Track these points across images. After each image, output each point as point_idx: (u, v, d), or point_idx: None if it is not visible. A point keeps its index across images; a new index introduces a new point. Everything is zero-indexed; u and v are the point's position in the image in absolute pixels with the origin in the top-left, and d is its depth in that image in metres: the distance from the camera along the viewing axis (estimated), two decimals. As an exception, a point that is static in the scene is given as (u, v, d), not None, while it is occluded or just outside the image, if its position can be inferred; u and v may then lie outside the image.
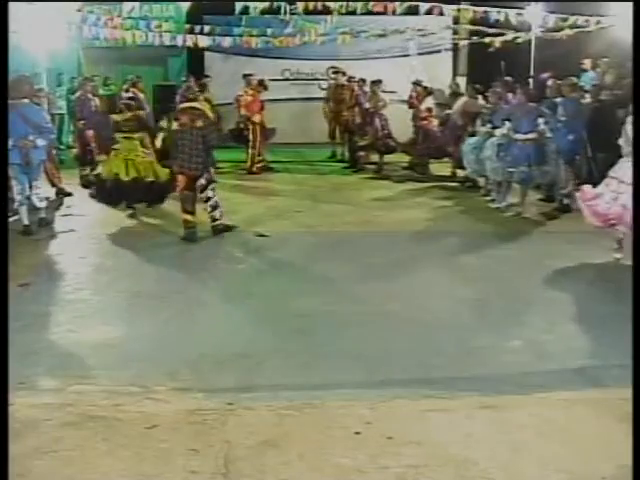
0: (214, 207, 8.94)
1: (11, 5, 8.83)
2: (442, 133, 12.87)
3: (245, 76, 14.28)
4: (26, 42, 11.31)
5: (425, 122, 13.29)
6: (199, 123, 8.66)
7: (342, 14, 14.06)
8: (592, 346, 5.51)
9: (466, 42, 17.22)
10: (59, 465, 3.86)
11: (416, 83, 14.15)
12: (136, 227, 9.59)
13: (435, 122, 13.26)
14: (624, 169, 7.40)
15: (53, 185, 10.96)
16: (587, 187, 7.95)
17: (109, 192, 9.84)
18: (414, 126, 13.59)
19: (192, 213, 8.78)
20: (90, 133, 12.01)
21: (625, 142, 7.47)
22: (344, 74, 15.29)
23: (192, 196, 8.79)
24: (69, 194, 11.12)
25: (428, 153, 13.28)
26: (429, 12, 13.51)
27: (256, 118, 13.78)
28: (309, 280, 7.26)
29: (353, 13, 13.79)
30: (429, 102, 13.52)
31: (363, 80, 14.50)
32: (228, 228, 9.09)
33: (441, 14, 13.73)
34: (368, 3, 13.38)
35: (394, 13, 13.56)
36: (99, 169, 10.29)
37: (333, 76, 15.80)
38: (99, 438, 4.12)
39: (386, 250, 8.36)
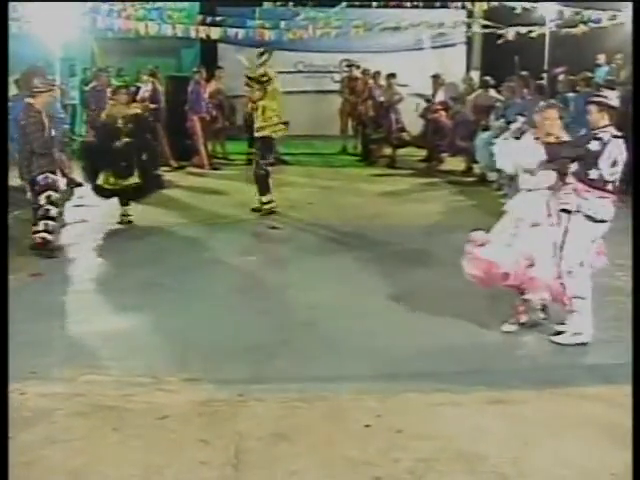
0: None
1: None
2: (454, 127, 12.78)
3: None
4: (39, 32, 11.29)
5: (436, 115, 13.21)
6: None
7: (355, 6, 14.02)
8: (601, 342, 5.47)
9: (480, 35, 17.13)
10: (69, 454, 3.87)
11: (435, 77, 14.04)
12: (146, 217, 9.59)
13: (446, 115, 13.16)
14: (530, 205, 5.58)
15: (64, 175, 10.96)
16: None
17: None
18: (425, 119, 13.52)
19: None
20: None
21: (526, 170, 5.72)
22: (358, 67, 15.24)
23: None
24: (80, 184, 11.12)
25: (438, 146, 13.21)
26: (444, 5, 13.49)
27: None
28: (320, 272, 7.25)
29: (367, 6, 13.76)
30: (442, 95, 13.45)
31: (378, 73, 14.42)
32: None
33: (463, 7, 13.69)
34: None
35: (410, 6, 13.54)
36: None
37: (347, 69, 15.71)
38: (109, 428, 4.13)
39: (397, 243, 8.33)
